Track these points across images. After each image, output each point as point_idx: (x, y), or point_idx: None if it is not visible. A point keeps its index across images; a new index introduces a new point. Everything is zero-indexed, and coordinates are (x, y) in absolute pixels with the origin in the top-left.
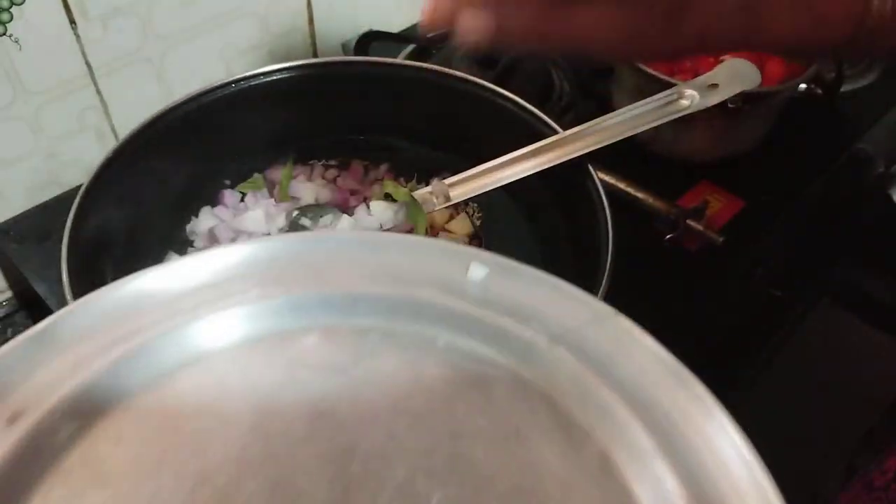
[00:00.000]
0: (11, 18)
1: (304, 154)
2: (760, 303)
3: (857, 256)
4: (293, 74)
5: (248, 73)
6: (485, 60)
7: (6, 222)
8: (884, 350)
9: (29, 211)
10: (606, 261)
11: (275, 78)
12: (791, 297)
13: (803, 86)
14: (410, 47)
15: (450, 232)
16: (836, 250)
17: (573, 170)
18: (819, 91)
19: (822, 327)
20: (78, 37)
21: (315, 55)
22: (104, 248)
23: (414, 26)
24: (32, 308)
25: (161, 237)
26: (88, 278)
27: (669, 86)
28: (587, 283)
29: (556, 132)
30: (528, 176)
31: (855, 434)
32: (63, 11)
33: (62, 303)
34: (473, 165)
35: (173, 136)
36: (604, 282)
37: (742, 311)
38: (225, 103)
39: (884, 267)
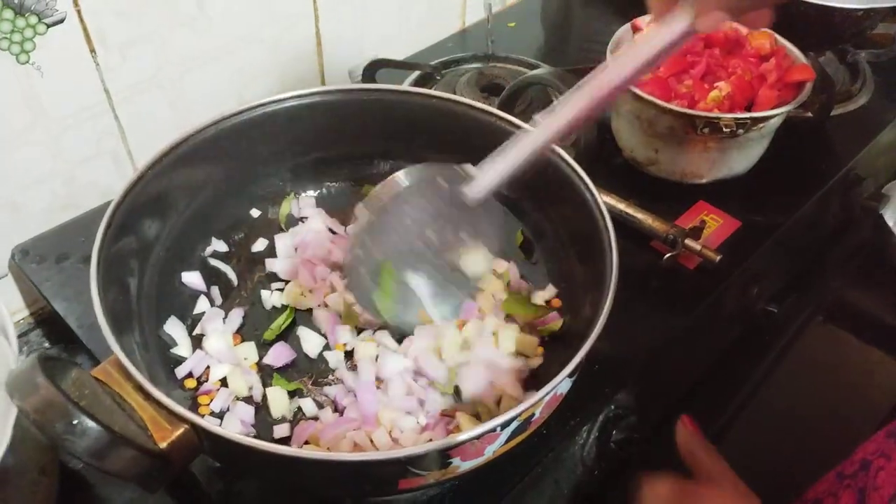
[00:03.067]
0: (35, 47)
1: (314, 179)
2: (757, 319)
3: (850, 274)
4: (306, 101)
5: (261, 101)
6: (488, 87)
7: (26, 243)
8: (876, 365)
9: (47, 232)
10: (611, 280)
11: (287, 105)
12: (786, 313)
13: (794, 110)
14: (415, 74)
15: None
16: (829, 268)
17: (577, 190)
18: (809, 115)
19: (817, 343)
20: (98, 65)
21: (323, 82)
22: (126, 267)
23: (418, 53)
24: (47, 326)
25: (180, 258)
26: (112, 296)
27: (664, 111)
28: (594, 297)
29: (561, 158)
30: (536, 195)
31: (848, 448)
32: (84, 40)
33: (81, 320)
34: None
35: (192, 160)
36: (609, 296)
37: (739, 327)
38: (240, 129)
39: (875, 284)
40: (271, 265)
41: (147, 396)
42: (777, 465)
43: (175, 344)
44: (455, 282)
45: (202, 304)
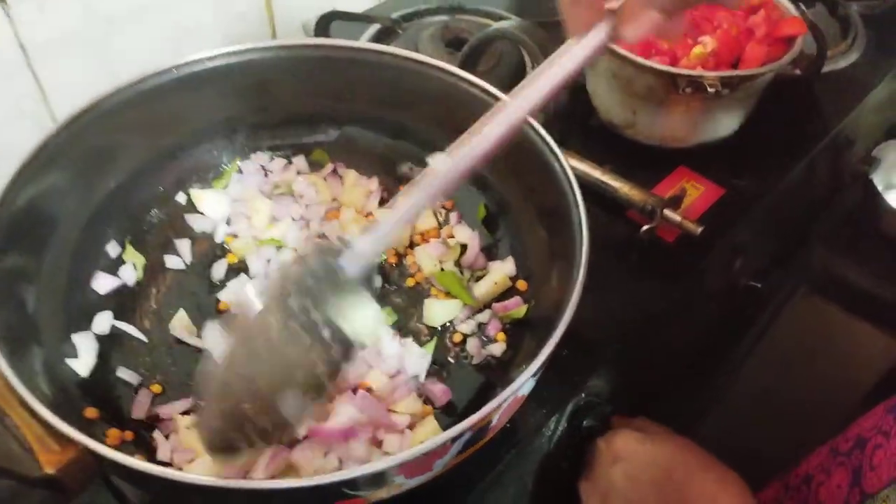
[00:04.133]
0: None
1: (255, 144)
2: (740, 294)
3: (837, 244)
4: (245, 58)
5: (196, 57)
6: (453, 41)
7: None
8: (864, 338)
9: None
10: (581, 259)
11: (225, 62)
12: (770, 287)
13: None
14: (375, 27)
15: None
16: (815, 238)
17: (543, 159)
18: (798, 72)
19: (802, 316)
20: (9, 17)
21: (274, 37)
22: (28, 245)
23: (380, 5)
24: None
25: (94, 233)
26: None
27: (644, 69)
28: (562, 277)
29: (528, 123)
30: (500, 165)
31: (835, 422)
32: None
33: None
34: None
35: (114, 121)
36: (580, 276)
37: (721, 303)
38: (171, 88)
39: (863, 254)
40: None
41: (33, 413)
42: (762, 442)
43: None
44: None
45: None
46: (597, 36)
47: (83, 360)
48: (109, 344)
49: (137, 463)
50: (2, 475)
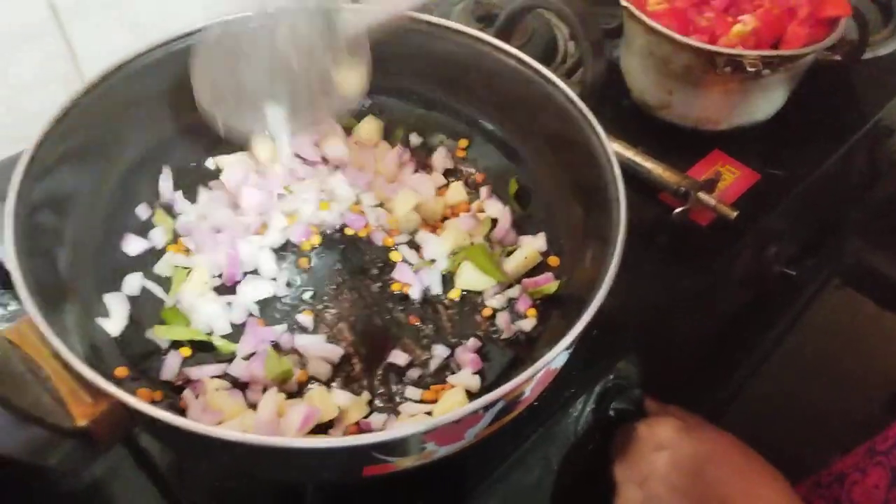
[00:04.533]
0: None
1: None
2: (772, 281)
3: (873, 235)
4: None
5: (230, 17)
6: (485, 17)
7: None
8: (894, 332)
9: None
10: (618, 237)
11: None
12: (803, 276)
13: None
14: None
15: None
16: (850, 228)
17: (583, 134)
18: (838, 58)
19: (833, 308)
20: None
21: None
22: (58, 205)
23: None
24: None
25: (125, 194)
26: (37, 239)
27: (681, 46)
28: (597, 255)
29: (565, 95)
30: (535, 140)
31: (865, 420)
32: None
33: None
34: (470, 128)
35: (145, 82)
36: (615, 255)
37: (753, 290)
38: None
39: None
40: None
41: (66, 364)
42: (789, 436)
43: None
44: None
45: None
46: None
47: (114, 321)
48: (140, 305)
49: (169, 416)
50: (35, 424)
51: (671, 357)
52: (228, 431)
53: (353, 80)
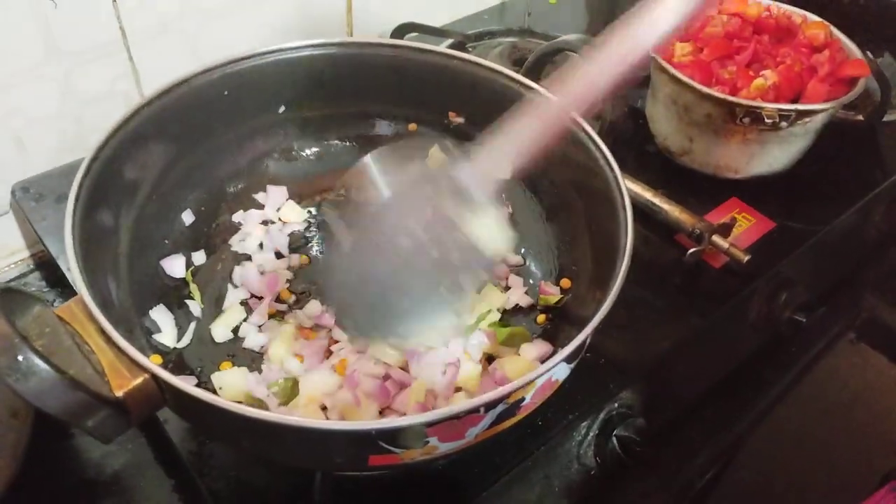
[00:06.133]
0: None
1: (322, 133)
2: (782, 328)
3: (888, 292)
4: (323, 52)
5: (275, 47)
6: (520, 60)
7: (27, 180)
8: None
9: (50, 172)
10: (622, 267)
11: (307, 54)
12: (815, 327)
13: (843, 111)
14: (447, 42)
15: None
16: (865, 283)
17: (599, 171)
18: (860, 118)
19: (845, 362)
20: (115, 1)
21: None
22: (115, 209)
23: (454, 23)
24: (46, 269)
25: (177, 201)
26: (95, 240)
27: (703, 96)
28: (601, 287)
29: (581, 126)
30: (552, 174)
31: (870, 474)
32: None
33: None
34: None
35: (200, 98)
36: (616, 284)
37: (763, 336)
38: (253, 73)
39: None
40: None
41: (108, 340)
42: (790, 485)
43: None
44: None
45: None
46: None
47: (166, 333)
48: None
49: (196, 390)
50: (79, 390)
51: (678, 392)
52: (247, 408)
53: (495, 233)
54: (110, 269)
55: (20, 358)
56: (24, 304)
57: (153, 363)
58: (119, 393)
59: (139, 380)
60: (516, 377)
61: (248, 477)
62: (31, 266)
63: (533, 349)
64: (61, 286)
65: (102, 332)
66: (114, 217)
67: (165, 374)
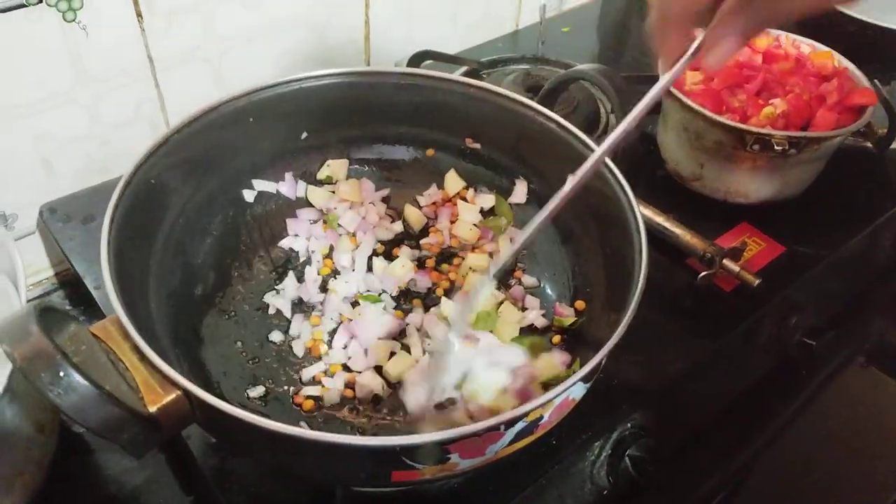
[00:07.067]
0: (82, 6)
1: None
2: (792, 352)
3: None
4: (343, 80)
5: (298, 76)
6: (534, 87)
7: (55, 202)
8: None
9: (77, 193)
10: (636, 290)
11: (325, 82)
12: (825, 351)
13: (853, 138)
14: (462, 69)
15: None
16: (875, 308)
17: (614, 196)
18: (869, 145)
19: (856, 386)
20: (143, 30)
21: None
22: (147, 231)
23: (469, 50)
24: (70, 288)
25: (204, 225)
26: (127, 260)
27: (714, 123)
28: (615, 309)
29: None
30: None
31: (883, 499)
32: (132, 3)
33: (98, 282)
34: (511, 182)
35: (222, 129)
36: (632, 305)
37: (773, 359)
38: (278, 101)
39: None
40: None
41: (142, 358)
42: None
43: None
44: None
45: None
46: (683, 63)
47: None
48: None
49: (225, 406)
50: (114, 405)
51: (689, 414)
52: (276, 423)
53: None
54: (141, 288)
55: (62, 374)
56: (62, 321)
57: (186, 380)
58: (152, 409)
59: (172, 396)
60: (546, 375)
61: (269, 492)
62: (55, 284)
63: (554, 356)
64: (84, 304)
65: (136, 349)
66: (145, 238)
67: (198, 391)
